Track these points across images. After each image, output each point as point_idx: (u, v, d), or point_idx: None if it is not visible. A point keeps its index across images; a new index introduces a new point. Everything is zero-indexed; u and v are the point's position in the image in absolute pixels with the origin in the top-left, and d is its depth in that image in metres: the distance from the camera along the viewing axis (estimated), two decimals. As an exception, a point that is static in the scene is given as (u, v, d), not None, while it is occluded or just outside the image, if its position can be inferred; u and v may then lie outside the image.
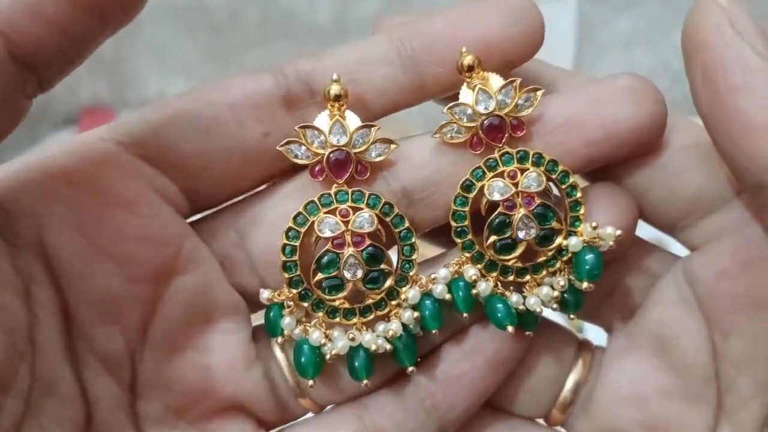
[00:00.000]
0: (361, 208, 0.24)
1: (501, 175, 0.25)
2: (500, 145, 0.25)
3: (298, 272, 0.25)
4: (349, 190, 0.25)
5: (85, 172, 0.23)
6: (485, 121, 0.25)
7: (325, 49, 0.25)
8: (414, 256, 0.25)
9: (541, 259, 0.25)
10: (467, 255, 0.25)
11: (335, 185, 0.25)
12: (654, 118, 0.24)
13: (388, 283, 0.25)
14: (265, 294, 0.25)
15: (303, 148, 0.25)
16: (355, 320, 0.25)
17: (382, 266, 0.25)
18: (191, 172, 0.25)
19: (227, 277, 0.26)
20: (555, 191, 0.26)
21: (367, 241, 0.25)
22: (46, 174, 0.23)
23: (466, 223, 0.25)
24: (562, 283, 0.25)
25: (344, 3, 0.73)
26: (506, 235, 0.25)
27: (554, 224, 0.25)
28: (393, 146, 0.25)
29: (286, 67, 0.25)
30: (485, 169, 0.25)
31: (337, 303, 0.25)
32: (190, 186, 0.25)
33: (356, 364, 0.25)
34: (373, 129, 0.25)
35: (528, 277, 0.25)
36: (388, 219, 0.25)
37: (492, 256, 0.25)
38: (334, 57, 0.25)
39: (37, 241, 0.23)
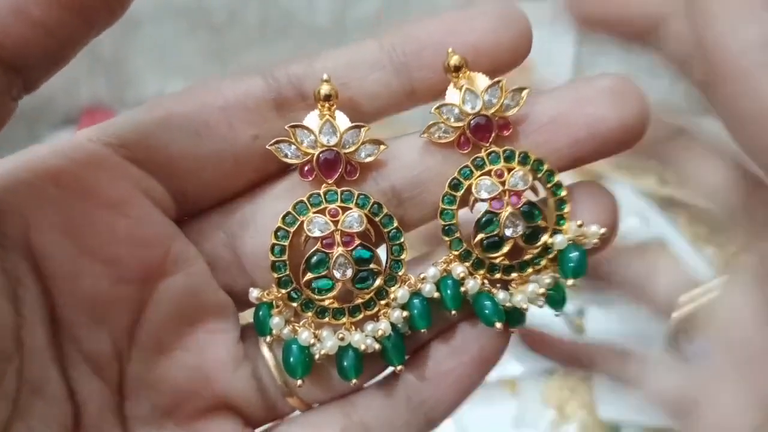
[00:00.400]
0: (351, 208, 0.24)
1: (488, 173, 0.25)
2: (487, 145, 0.25)
3: (288, 272, 0.25)
4: (339, 190, 0.25)
5: (72, 174, 0.23)
6: (472, 121, 0.25)
7: (317, 53, 0.25)
8: (403, 256, 0.25)
9: (528, 256, 0.25)
10: (455, 253, 0.25)
11: (324, 185, 0.25)
12: (637, 117, 0.25)
13: (378, 282, 0.25)
14: (254, 293, 0.25)
15: (293, 147, 0.24)
16: (344, 320, 0.25)
17: (372, 266, 0.25)
18: (180, 174, 0.25)
19: (216, 277, 0.26)
20: (540, 190, 0.26)
21: (357, 241, 0.24)
22: (35, 174, 0.23)
23: (454, 221, 0.25)
24: (548, 281, 0.25)
25: (344, 3, 0.73)
26: (493, 233, 0.25)
27: (540, 222, 0.25)
28: (383, 147, 0.25)
29: (277, 70, 0.25)
30: (473, 168, 0.25)
31: (326, 303, 0.25)
32: (178, 188, 0.25)
33: (345, 363, 0.25)
34: (363, 129, 0.25)
35: (514, 275, 0.25)
36: (377, 219, 0.25)
37: (479, 254, 0.25)
38: (326, 61, 0.25)
39: (24, 242, 0.23)
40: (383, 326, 0.25)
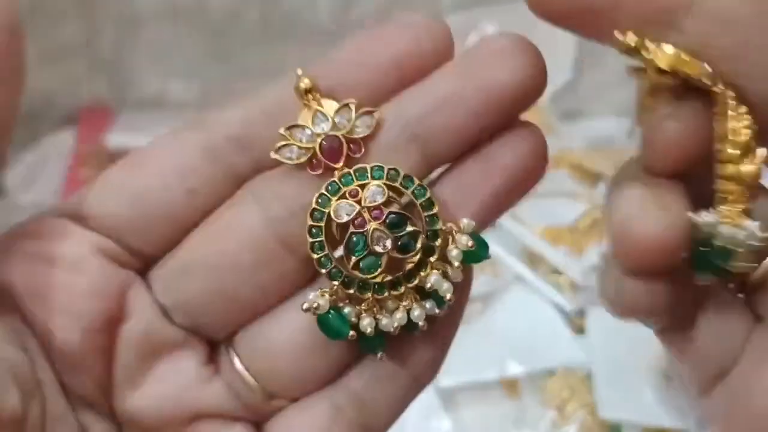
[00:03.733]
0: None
1: (343, 196, 0.25)
2: (338, 167, 0.25)
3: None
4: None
5: (36, 244, 0.26)
6: (323, 142, 0.25)
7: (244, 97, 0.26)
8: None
9: (409, 266, 0.25)
10: (336, 282, 0.25)
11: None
12: (534, 76, 0.23)
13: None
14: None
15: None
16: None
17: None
18: (130, 235, 0.26)
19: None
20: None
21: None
22: (11, 248, 0.25)
23: (326, 251, 0.25)
24: (434, 278, 0.25)
25: (346, 3, 0.73)
26: (364, 252, 0.24)
27: (410, 228, 0.24)
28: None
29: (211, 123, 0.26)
30: (328, 195, 0.25)
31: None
32: (133, 246, 0.26)
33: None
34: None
35: (403, 288, 0.25)
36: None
37: (358, 276, 0.25)
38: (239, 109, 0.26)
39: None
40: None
